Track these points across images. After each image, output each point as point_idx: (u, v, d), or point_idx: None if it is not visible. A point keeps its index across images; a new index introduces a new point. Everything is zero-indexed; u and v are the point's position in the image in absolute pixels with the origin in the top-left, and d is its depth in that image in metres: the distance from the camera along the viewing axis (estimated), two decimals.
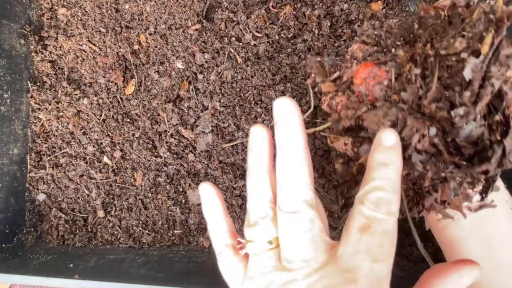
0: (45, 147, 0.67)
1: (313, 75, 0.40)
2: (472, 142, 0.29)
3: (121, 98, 0.66)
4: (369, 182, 0.27)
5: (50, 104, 0.67)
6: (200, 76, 0.63)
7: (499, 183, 0.37)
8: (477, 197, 0.35)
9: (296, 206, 0.28)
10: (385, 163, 0.27)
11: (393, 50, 0.34)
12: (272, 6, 0.62)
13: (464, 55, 0.28)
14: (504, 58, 0.28)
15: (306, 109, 0.59)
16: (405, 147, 0.30)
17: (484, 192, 0.33)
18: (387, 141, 0.27)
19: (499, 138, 0.28)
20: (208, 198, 0.35)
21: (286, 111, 0.28)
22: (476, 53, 0.28)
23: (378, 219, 0.26)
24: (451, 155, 0.30)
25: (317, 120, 0.59)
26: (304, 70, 0.60)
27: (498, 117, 0.29)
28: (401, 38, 0.35)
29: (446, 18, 0.31)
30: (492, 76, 0.27)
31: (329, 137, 0.40)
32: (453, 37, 0.29)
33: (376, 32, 0.36)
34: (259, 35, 0.61)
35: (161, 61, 0.66)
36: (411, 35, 0.34)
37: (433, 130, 0.29)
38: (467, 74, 0.27)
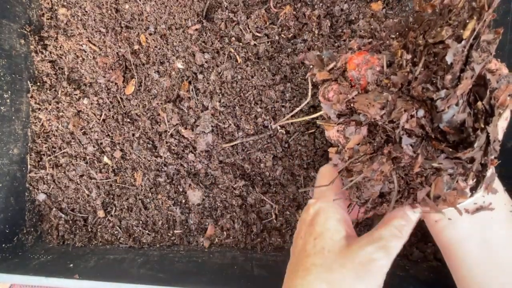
0: (45, 147, 0.67)
1: (311, 67, 0.41)
2: (456, 129, 0.30)
3: (121, 98, 0.66)
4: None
5: (50, 104, 0.67)
6: (200, 76, 0.63)
7: (498, 186, 0.37)
8: (475, 198, 0.36)
9: None
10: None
11: (387, 41, 0.36)
12: (273, 6, 0.62)
13: (448, 41, 0.29)
14: (485, 44, 0.29)
15: (306, 109, 0.59)
16: (394, 129, 0.32)
17: (474, 188, 0.33)
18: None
19: (483, 126, 0.29)
20: None
21: None
22: (459, 39, 0.29)
23: None
24: (437, 141, 0.31)
25: (317, 120, 0.59)
26: (303, 64, 0.60)
27: (481, 105, 0.30)
28: (396, 32, 0.36)
29: (438, 12, 0.32)
30: (473, 61, 0.29)
31: (323, 127, 0.41)
32: (441, 27, 0.30)
33: (372, 26, 0.38)
34: (259, 35, 0.61)
35: (161, 61, 0.66)
36: (406, 28, 0.35)
37: (421, 112, 0.31)
38: (449, 58, 0.29)
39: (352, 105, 0.35)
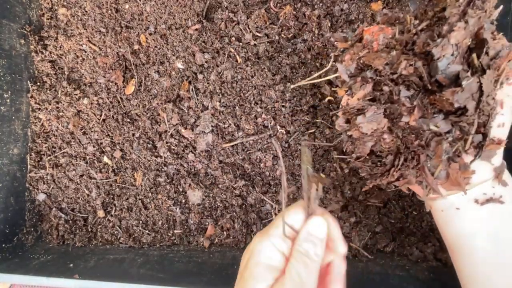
0: (45, 147, 0.67)
1: (336, 43, 0.47)
2: (452, 81, 0.32)
3: (121, 98, 0.66)
4: None
5: (50, 104, 0.67)
6: (200, 76, 0.63)
7: (508, 179, 0.36)
8: (484, 188, 0.35)
9: None
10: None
11: (402, 17, 0.39)
12: (273, 6, 0.62)
13: (449, 1, 0.34)
14: (480, 2, 0.33)
15: (306, 109, 0.59)
16: (394, 81, 0.35)
17: (477, 153, 0.34)
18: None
19: (474, 71, 0.32)
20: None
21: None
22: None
23: None
24: (434, 94, 0.33)
25: (316, 120, 0.59)
26: (303, 64, 0.60)
27: (477, 62, 0.32)
28: (413, 12, 0.39)
29: None
30: (468, 15, 0.32)
31: (338, 92, 0.45)
32: None
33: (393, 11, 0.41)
34: (259, 35, 0.61)
35: (161, 61, 0.66)
36: (422, 9, 0.38)
37: (419, 63, 0.33)
38: (447, 13, 0.33)
39: (361, 61, 0.38)
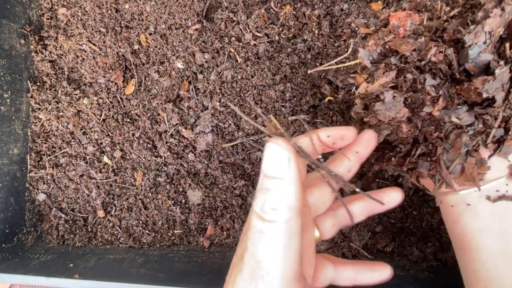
0: (45, 147, 0.67)
1: (357, 28, 0.46)
2: (481, 70, 0.31)
3: (121, 98, 0.66)
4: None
5: (50, 104, 0.67)
6: (200, 76, 0.63)
7: None
8: (497, 184, 0.35)
9: None
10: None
11: (431, 5, 0.38)
12: (274, 5, 0.62)
13: None
14: None
15: (306, 109, 0.59)
16: (420, 69, 0.34)
17: (497, 148, 0.33)
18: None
19: (508, 61, 0.31)
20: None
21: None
22: None
23: None
24: (460, 82, 0.32)
25: (316, 120, 0.59)
26: (303, 64, 0.60)
27: (509, 52, 0.30)
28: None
29: None
30: (505, 2, 0.30)
31: (356, 78, 0.43)
32: None
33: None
34: (259, 35, 0.61)
35: (161, 61, 0.66)
36: None
37: (449, 50, 0.32)
38: None
39: (386, 46, 0.37)
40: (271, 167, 0.28)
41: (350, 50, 0.53)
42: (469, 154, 0.33)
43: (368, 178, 0.57)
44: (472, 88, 0.31)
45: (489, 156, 0.34)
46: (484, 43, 0.31)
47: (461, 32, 0.31)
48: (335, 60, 0.53)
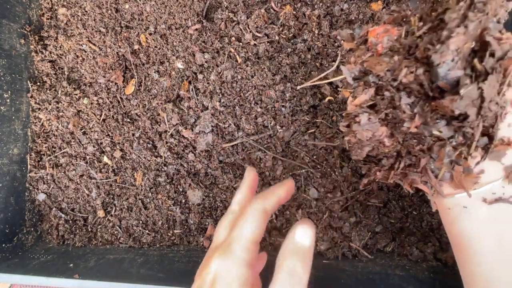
0: (45, 147, 0.67)
1: (343, 42, 0.45)
2: (453, 86, 0.32)
3: (121, 98, 0.66)
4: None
5: (50, 104, 0.67)
6: (200, 76, 0.63)
7: None
8: (492, 187, 0.35)
9: None
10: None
11: (410, 18, 0.38)
12: (274, 5, 0.62)
13: (450, 2, 0.33)
14: (480, 4, 0.31)
15: (306, 109, 0.59)
16: (395, 87, 0.35)
17: (483, 155, 0.33)
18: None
19: (474, 79, 0.31)
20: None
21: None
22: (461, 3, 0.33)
23: None
24: (435, 98, 0.33)
25: (316, 120, 0.59)
26: (303, 64, 0.60)
27: (479, 66, 0.31)
28: (418, 11, 0.39)
29: None
30: (468, 19, 0.31)
31: (343, 93, 0.44)
32: None
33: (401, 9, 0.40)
34: (259, 35, 0.61)
35: (161, 61, 0.66)
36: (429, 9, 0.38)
37: (420, 70, 0.32)
38: (447, 17, 0.32)
39: (364, 65, 0.37)
40: None
41: (337, 62, 0.53)
42: (456, 163, 0.33)
43: (360, 191, 0.58)
44: (444, 105, 0.31)
45: (476, 164, 0.34)
46: (452, 60, 0.31)
47: (430, 49, 0.32)
48: (322, 75, 0.53)
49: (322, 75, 0.53)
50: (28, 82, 0.67)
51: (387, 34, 0.36)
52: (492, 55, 0.31)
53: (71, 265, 0.57)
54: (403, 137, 0.35)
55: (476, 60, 0.31)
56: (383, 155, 0.38)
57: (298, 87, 0.57)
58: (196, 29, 0.63)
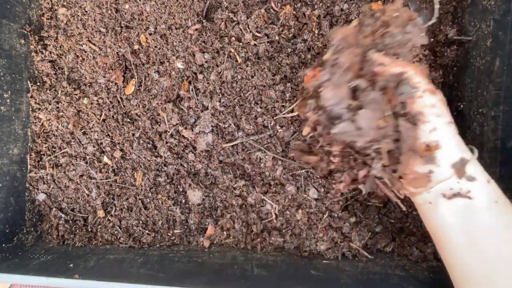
0: (45, 147, 0.67)
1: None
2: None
3: (121, 98, 0.66)
4: None
5: (50, 104, 0.67)
6: (200, 76, 0.63)
7: (477, 173, 0.38)
8: (450, 183, 0.39)
9: None
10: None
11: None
12: (274, 5, 0.62)
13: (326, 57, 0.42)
14: (337, 69, 0.39)
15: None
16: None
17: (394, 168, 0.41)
18: None
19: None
20: None
21: None
22: None
23: None
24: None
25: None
26: (304, 64, 0.62)
27: (351, 101, 0.38)
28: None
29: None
30: (331, 73, 0.39)
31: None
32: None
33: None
34: (259, 35, 0.61)
35: (161, 61, 0.66)
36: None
37: (321, 112, 0.41)
38: (325, 56, 0.42)
39: (297, 107, 0.47)
40: None
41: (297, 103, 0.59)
42: (392, 171, 0.40)
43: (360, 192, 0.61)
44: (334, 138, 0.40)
45: (393, 171, 0.40)
46: (331, 105, 0.38)
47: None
48: (292, 107, 0.59)
49: (290, 108, 0.59)
50: (28, 82, 0.67)
51: (314, 79, 0.41)
52: (372, 88, 0.37)
53: (71, 265, 0.57)
54: (341, 157, 0.43)
55: (350, 101, 0.38)
56: (336, 170, 0.46)
57: (275, 118, 0.60)
58: (196, 29, 0.63)
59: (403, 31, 0.38)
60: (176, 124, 0.63)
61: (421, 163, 0.38)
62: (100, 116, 0.66)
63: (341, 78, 0.38)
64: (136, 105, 0.65)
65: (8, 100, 0.63)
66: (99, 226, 0.65)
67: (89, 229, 0.66)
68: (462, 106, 0.56)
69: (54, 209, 0.66)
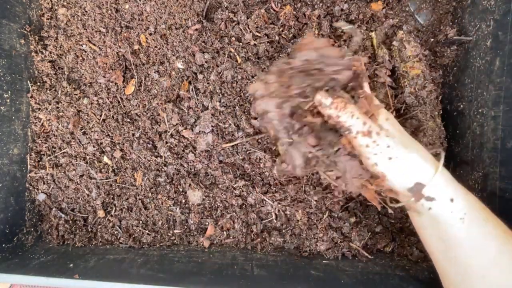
0: (45, 147, 0.67)
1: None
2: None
3: (121, 98, 0.66)
4: None
5: (50, 104, 0.67)
6: (200, 76, 0.63)
7: (437, 189, 0.38)
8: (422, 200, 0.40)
9: None
10: None
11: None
12: (274, 5, 0.62)
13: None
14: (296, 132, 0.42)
15: None
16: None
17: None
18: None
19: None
20: None
21: None
22: None
23: None
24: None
25: None
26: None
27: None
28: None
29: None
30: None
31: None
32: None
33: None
34: (259, 35, 0.61)
35: (161, 61, 0.66)
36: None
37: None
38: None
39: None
40: None
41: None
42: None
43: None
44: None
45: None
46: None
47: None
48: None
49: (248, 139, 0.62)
50: (28, 82, 0.67)
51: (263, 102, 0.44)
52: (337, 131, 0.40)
53: (71, 265, 0.57)
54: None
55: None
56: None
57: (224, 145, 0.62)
58: (196, 29, 0.63)
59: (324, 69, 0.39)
60: (176, 124, 0.63)
61: (376, 189, 0.40)
62: (100, 116, 0.66)
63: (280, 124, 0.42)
64: (136, 105, 0.65)
65: (8, 100, 0.63)
66: (99, 226, 0.65)
67: (89, 229, 0.66)
68: (462, 106, 0.56)
69: (54, 209, 0.66)
